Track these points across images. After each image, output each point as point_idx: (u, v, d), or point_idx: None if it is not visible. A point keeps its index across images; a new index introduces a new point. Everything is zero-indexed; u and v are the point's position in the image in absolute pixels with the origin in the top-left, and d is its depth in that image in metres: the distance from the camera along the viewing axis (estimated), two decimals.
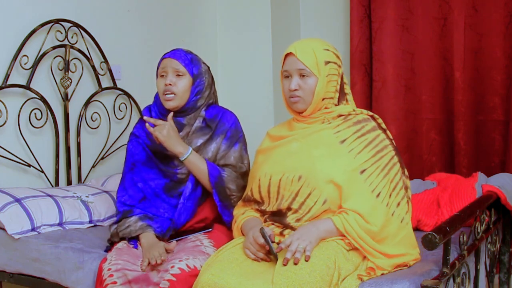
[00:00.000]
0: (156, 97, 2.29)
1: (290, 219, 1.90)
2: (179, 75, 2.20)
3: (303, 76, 1.94)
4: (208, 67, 2.32)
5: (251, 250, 1.84)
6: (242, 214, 2.06)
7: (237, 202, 2.17)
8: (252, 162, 2.19)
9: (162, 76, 2.22)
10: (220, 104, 2.40)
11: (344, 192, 1.84)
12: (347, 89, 2.03)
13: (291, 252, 1.73)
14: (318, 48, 1.95)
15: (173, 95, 2.19)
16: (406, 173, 1.98)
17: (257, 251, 1.83)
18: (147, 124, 2.16)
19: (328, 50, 1.96)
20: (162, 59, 2.25)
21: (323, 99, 1.95)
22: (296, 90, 1.95)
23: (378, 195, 1.84)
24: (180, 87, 2.20)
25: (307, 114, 1.98)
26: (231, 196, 2.19)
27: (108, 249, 2.16)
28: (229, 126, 2.27)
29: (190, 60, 2.24)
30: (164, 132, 2.13)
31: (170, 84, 2.18)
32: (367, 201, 1.83)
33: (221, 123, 2.26)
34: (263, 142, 2.11)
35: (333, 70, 1.95)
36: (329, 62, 1.94)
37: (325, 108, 1.97)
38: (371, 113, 2.01)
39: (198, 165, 2.17)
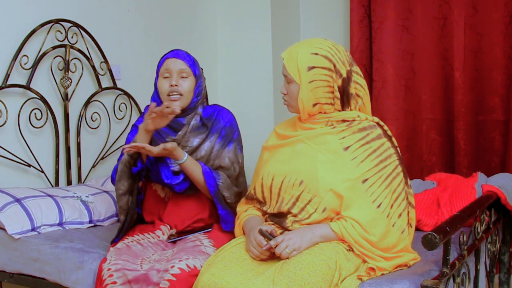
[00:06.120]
0: (154, 98, 2.28)
1: (290, 222, 1.89)
2: (183, 76, 2.20)
3: (289, 82, 1.94)
4: (202, 69, 2.32)
5: (254, 253, 1.84)
6: (245, 212, 2.05)
7: (233, 206, 2.18)
8: (255, 157, 2.18)
9: (165, 77, 2.20)
10: (220, 104, 2.40)
11: (345, 201, 1.82)
12: (355, 94, 1.93)
13: (279, 249, 1.75)
14: (304, 53, 1.90)
15: (179, 96, 2.18)
16: (409, 182, 1.96)
17: (261, 253, 1.83)
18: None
19: (316, 54, 1.89)
20: (164, 59, 2.23)
21: (314, 105, 1.91)
22: (285, 94, 1.97)
23: (379, 206, 1.82)
24: (186, 88, 2.20)
25: (303, 119, 1.97)
26: (228, 202, 2.19)
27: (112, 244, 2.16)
28: (224, 125, 2.26)
29: (193, 61, 2.25)
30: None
31: (176, 85, 2.17)
32: (367, 211, 1.81)
33: (216, 121, 2.27)
34: (270, 139, 2.09)
35: (319, 76, 1.88)
36: (313, 67, 1.88)
37: (324, 112, 1.94)
38: (376, 120, 1.95)
39: (193, 171, 2.15)
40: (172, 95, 2.18)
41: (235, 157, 2.26)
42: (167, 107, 2.07)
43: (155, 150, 2.06)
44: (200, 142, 2.23)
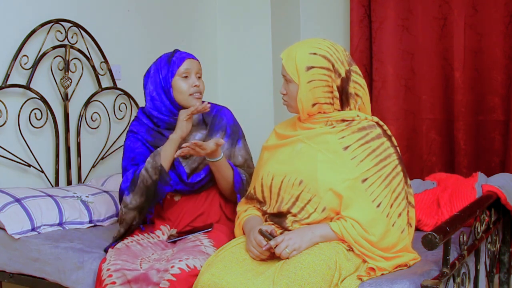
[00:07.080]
0: (156, 99, 2.27)
1: (289, 222, 1.89)
2: (199, 76, 2.26)
3: (288, 82, 1.94)
4: None
5: (254, 253, 1.84)
6: (245, 212, 2.05)
7: None
8: (255, 157, 2.19)
9: (185, 77, 2.23)
10: (220, 104, 2.42)
11: (345, 201, 1.82)
12: (354, 93, 1.94)
13: (279, 249, 1.75)
14: (303, 53, 1.90)
15: (200, 95, 2.24)
16: (409, 182, 1.96)
17: (261, 253, 1.83)
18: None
19: (315, 54, 1.89)
20: (184, 59, 2.24)
21: (313, 105, 1.92)
22: (284, 94, 1.97)
23: (378, 205, 1.82)
24: (203, 88, 2.26)
25: (303, 119, 1.97)
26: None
27: (107, 249, 2.16)
28: (228, 122, 2.29)
29: None
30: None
31: (198, 85, 2.23)
32: (367, 211, 1.80)
33: (219, 118, 2.29)
34: (270, 139, 2.09)
35: (318, 76, 1.88)
36: (312, 67, 1.88)
37: (324, 112, 1.94)
38: (376, 119, 1.95)
39: (224, 170, 2.18)
40: (195, 94, 2.22)
41: (247, 154, 2.30)
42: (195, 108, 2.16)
43: (211, 145, 2.08)
44: (203, 139, 2.23)
